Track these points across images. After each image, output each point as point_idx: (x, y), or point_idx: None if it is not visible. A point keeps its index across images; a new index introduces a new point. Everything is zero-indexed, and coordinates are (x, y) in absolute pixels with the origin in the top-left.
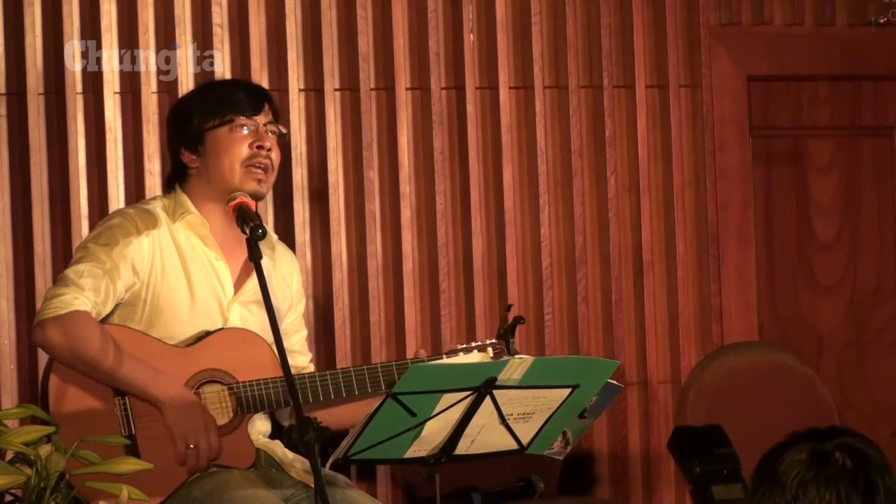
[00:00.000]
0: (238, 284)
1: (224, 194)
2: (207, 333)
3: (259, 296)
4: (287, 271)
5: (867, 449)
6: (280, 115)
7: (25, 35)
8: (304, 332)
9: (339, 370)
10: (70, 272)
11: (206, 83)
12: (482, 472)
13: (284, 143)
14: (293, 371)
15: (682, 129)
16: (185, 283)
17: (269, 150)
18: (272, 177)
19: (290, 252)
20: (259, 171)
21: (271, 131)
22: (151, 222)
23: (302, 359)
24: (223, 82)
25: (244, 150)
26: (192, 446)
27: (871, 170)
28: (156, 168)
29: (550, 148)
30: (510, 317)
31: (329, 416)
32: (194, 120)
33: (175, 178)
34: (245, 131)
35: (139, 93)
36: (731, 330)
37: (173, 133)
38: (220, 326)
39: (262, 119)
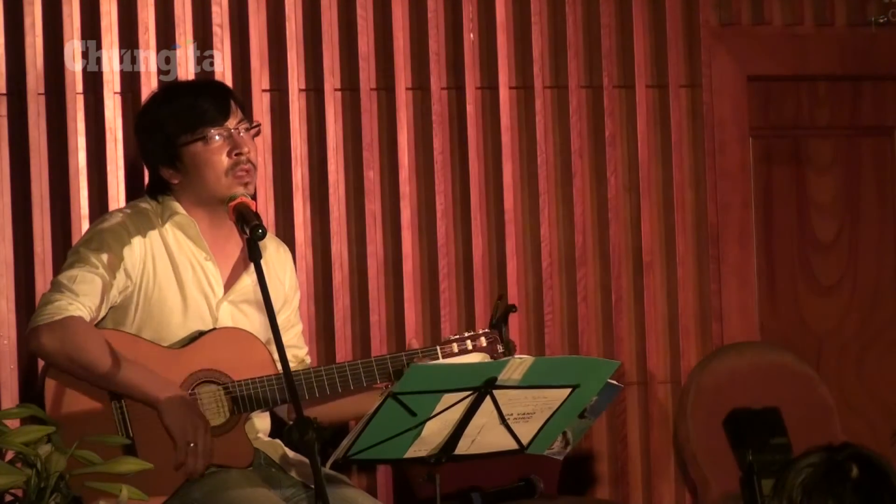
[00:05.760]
0: (228, 284)
1: (212, 202)
2: (201, 334)
3: (252, 296)
4: (279, 268)
5: (880, 461)
6: (244, 105)
7: (25, 35)
8: (299, 327)
9: (334, 365)
10: (63, 277)
11: (168, 89)
12: (482, 472)
13: (257, 133)
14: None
15: (682, 129)
16: (175, 283)
17: (248, 151)
18: (256, 173)
19: (282, 246)
20: (243, 174)
21: (244, 129)
22: (143, 223)
23: (297, 352)
24: (185, 89)
25: (224, 161)
26: (192, 445)
27: (871, 170)
28: None
29: (550, 148)
30: (502, 306)
31: (331, 410)
32: (165, 135)
33: (157, 191)
34: (220, 140)
35: (139, 93)
36: (731, 330)
37: (145, 148)
38: (210, 326)
39: (232, 122)
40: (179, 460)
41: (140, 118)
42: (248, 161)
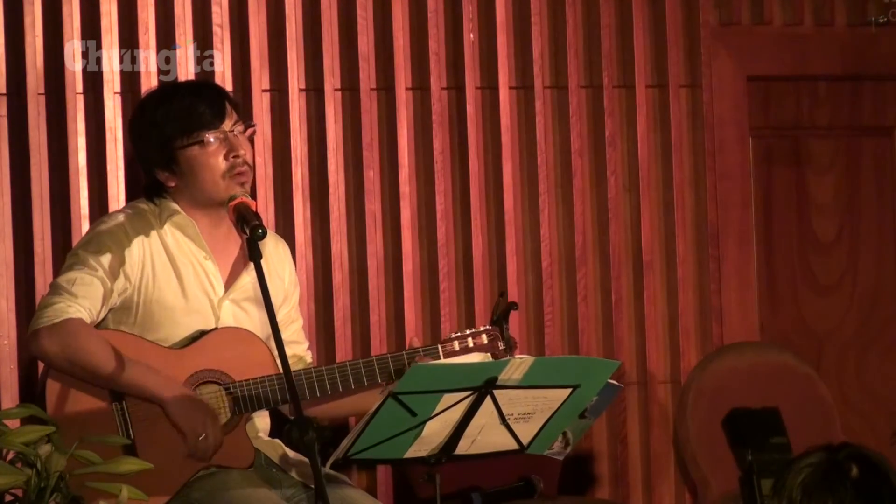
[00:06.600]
0: (229, 282)
1: (209, 203)
2: (202, 333)
3: (252, 293)
4: (279, 264)
5: (879, 459)
6: (239, 106)
7: (25, 35)
8: (300, 322)
9: (335, 365)
10: (62, 280)
11: (162, 91)
12: (482, 472)
13: (254, 133)
14: (290, 360)
15: (682, 129)
16: (176, 283)
17: (244, 153)
18: (253, 173)
19: (281, 242)
20: (239, 176)
21: (240, 131)
22: (141, 225)
23: (298, 348)
24: (181, 90)
25: (221, 164)
26: (202, 437)
27: (871, 170)
28: None
29: (550, 148)
30: (503, 303)
31: (331, 408)
32: (160, 139)
33: (154, 193)
34: (216, 143)
35: (139, 93)
36: (731, 330)
37: (141, 150)
38: (213, 325)
39: (228, 124)
40: (190, 451)
41: (134, 122)
42: (245, 163)
